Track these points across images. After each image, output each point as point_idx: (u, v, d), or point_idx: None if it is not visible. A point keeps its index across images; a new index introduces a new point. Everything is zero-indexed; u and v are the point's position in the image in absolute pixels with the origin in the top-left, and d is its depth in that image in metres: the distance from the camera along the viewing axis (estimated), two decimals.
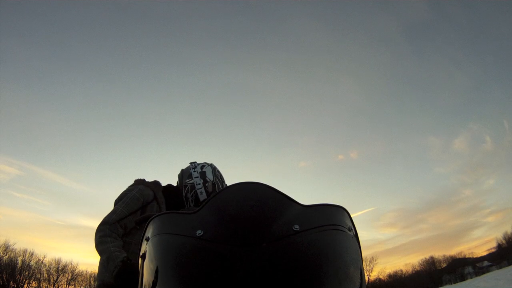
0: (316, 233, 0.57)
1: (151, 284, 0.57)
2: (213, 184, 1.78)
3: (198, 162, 1.91)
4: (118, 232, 1.61)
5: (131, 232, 1.67)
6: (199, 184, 1.77)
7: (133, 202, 1.67)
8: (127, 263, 1.41)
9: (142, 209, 1.68)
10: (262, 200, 0.58)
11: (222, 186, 1.81)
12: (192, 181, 1.79)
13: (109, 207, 1.82)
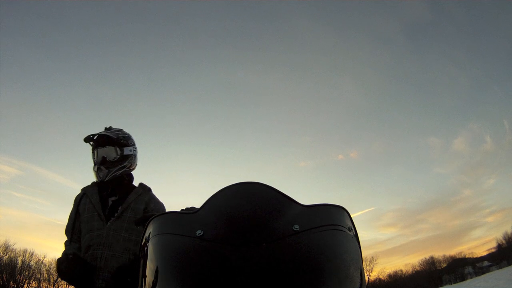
0: (316, 233, 0.57)
1: (151, 284, 0.57)
2: (88, 137, 1.87)
3: None
4: (76, 239, 1.82)
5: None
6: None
7: (72, 210, 1.89)
8: (64, 257, 1.56)
9: (77, 210, 1.87)
10: (262, 200, 0.58)
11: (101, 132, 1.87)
12: None
13: None
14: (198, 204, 0.63)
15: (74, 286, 1.63)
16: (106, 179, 1.79)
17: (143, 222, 0.92)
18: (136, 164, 1.97)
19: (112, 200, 1.82)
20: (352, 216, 0.69)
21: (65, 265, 1.52)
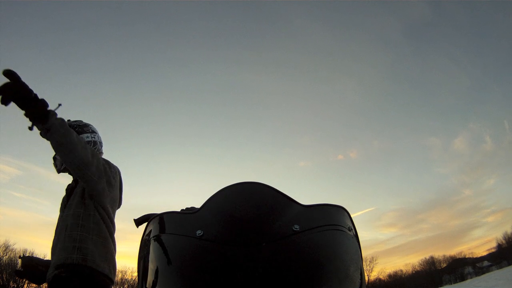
0: (316, 233, 0.57)
1: (151, 284, 0.57)
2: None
3: None
4: None
5: None
6: None
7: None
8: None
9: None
10: (262, 200, 0.58)
11: None
12: None
13: None
14: (198, 204, 0.63)
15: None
16: (62, 167, 1.80)
17: (142, 222, 0.92)
18: (101, 152, 1.94)
19: (68, 191, 1.82)
20: (352, 216, 0.69)
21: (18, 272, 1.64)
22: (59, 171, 1.84)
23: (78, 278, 1.50)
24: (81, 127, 1.88)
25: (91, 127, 1.93)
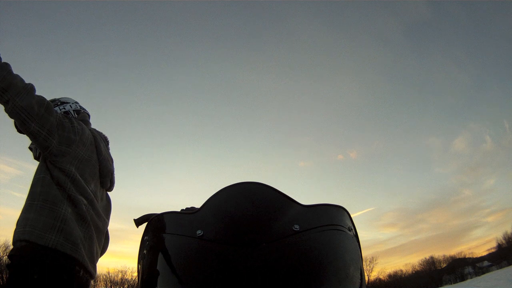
0: (316, 233, 0.57)
1: (151, 284, 0.57)
2: None
3: None
4: None
5: None
6: None
7: None
8: None
9: None
10: (262, 200, 0.58)
11: None
12: None
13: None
14: (198, 204, 0.63)
15: None
16: (38, 154, 1.60)
17: (142, 222, 0.92)
18: (74, 116, 1.67)
19: None
20: (352, 216, 0.69)
21: None
22: (36, 158, 1.63)
23: (18, 256, 1.21)
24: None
25: (60, 100, 1.71)
